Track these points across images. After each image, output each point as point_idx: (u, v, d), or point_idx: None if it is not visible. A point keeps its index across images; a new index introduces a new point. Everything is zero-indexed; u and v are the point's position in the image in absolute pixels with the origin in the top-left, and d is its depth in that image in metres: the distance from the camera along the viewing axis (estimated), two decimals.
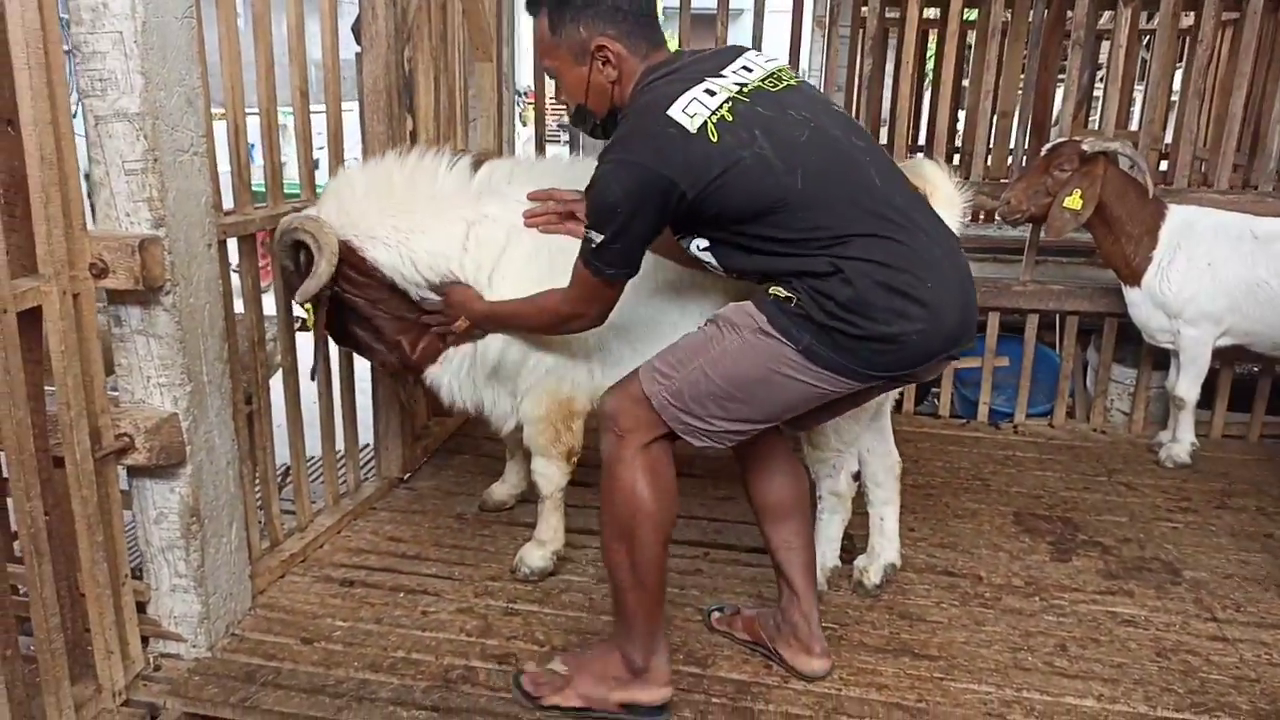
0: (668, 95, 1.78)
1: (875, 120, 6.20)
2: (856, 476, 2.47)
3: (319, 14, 2.71)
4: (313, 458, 3.12)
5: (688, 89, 1.79)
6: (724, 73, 1.84)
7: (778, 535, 2.16)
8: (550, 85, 2.47)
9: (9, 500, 1.95)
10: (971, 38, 6.20)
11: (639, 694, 2.00)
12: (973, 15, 5.46)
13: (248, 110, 2.41)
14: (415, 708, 2.04)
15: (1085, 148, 3.28)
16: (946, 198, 2.21)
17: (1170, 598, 2.59)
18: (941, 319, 1.81)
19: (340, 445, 2.97)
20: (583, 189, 1.91)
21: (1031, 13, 4.50)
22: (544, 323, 2.15)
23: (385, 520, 2.94)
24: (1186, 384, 3.41)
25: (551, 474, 2.51)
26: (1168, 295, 3.32)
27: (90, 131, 1.91)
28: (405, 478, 3.23)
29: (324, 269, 2.27)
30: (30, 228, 1.78)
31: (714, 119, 1.75)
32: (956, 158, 6.05)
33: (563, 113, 9.40)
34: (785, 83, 1.89)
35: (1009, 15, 5.87)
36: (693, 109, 1.75)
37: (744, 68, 1.87)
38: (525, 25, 4.19)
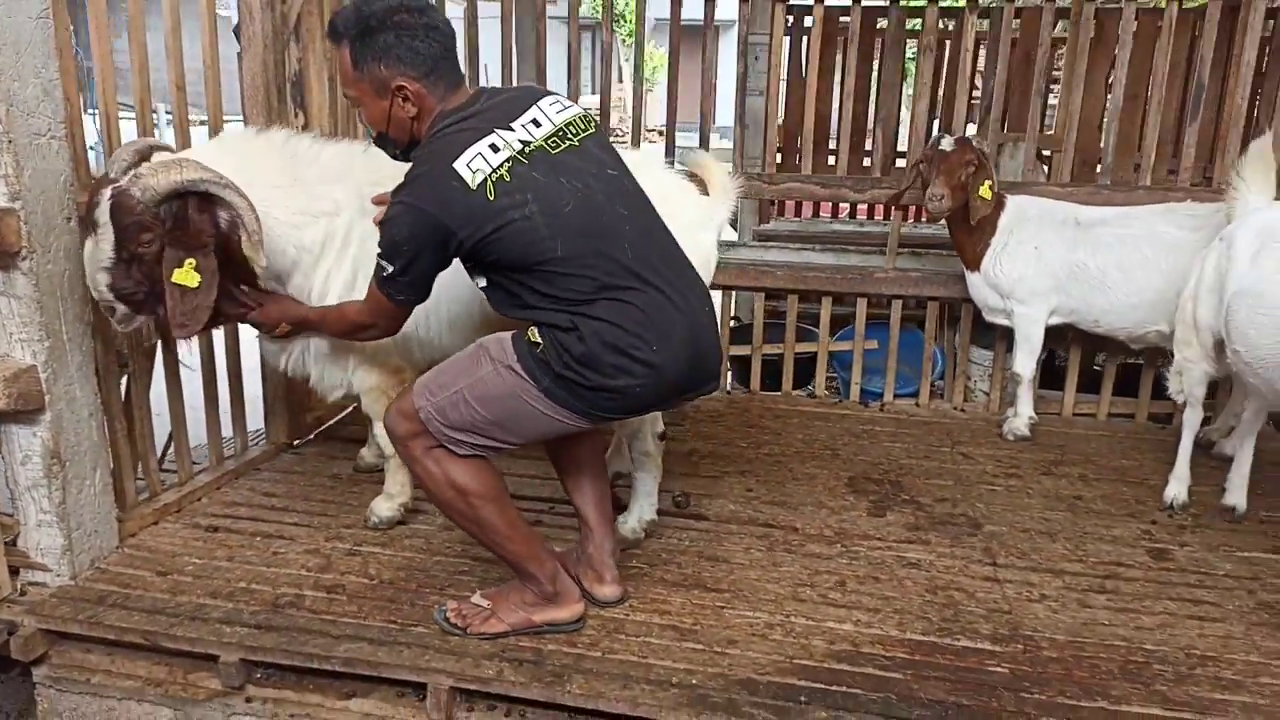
0: (456, 145, 1.98)
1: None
2: (663, 436, 2.73)
3: (197, 15, 2.98)
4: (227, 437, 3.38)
5: (475, 141, 1.98)
6: (513, 125, 2.03)
7: (572, 481, 2.44)
8: None
9: None
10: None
11: (557, 613, 2.31)
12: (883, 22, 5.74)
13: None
14: (240, 625, 2.31)
15: (974, 143, 3.55)
16: (720, 186, 2.48)
17: (962, 546, 2.85)
18: (663, 376, 2.07)
19: (226, 409, 3.24)
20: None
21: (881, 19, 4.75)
22: (343, 330, 2.37)
23: (265, 479, 3.22)
24: (1021, 359, 3.68)
25: None
26: (1000, 278, 3.59)
27: None
28: (294, 444, 3.50)
29: (257, 225, 2.30)
30: None
31: (493, 178, 1.96)
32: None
33: None
34: (568, 142, 2.08)
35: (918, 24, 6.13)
36: (476, 164, 1.96)
37: (533, 121, 2.06)
38: None
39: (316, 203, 2.57)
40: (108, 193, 2.21)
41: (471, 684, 2.15)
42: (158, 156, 2.37)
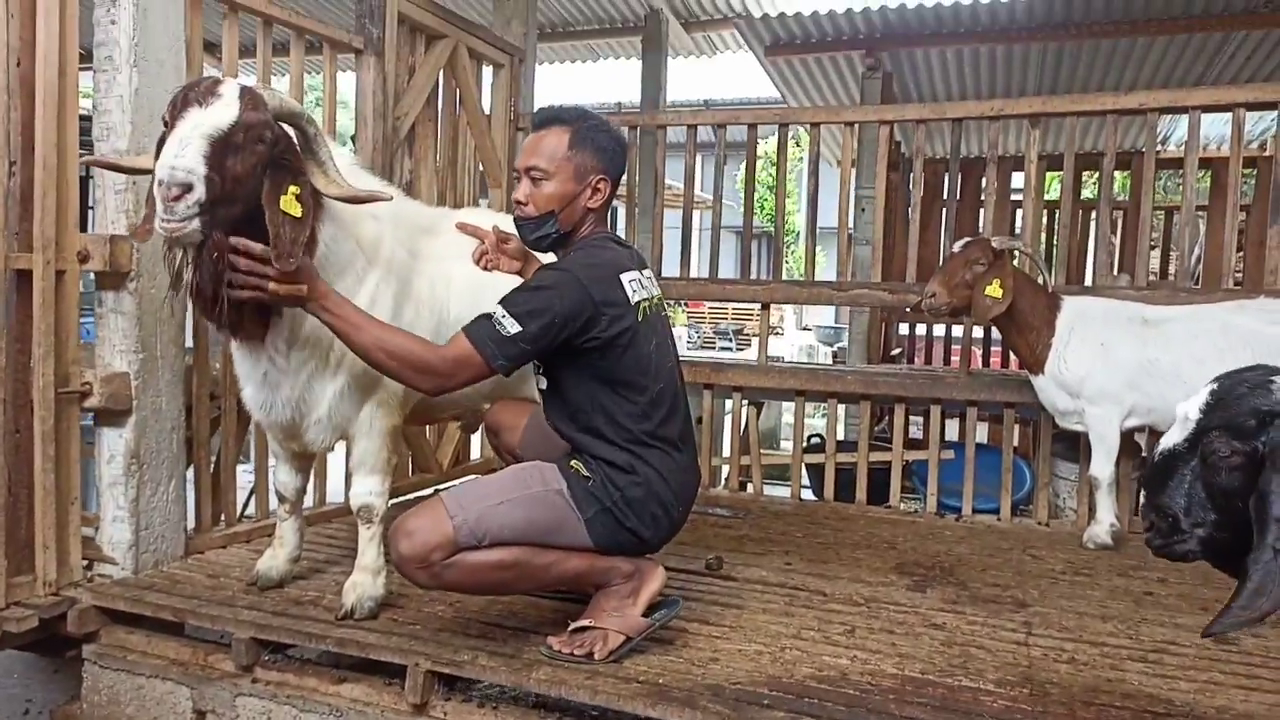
0: (622, 262, 2.25)
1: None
2: None
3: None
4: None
5: (631, 268, 2.26)
6: (644, 274, 2.31)
7: None
8: None
9: None
10: None
11: (649, 586, 2.29)
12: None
13: None
14: (259, 611, 2.49)
15: (995, 244, 3.62)
16: None
17: (999, 618, 2.68)
18: (675, 531, 2.36)
19: None
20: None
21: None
22: (391, 357, 2.13)
23: (335, 527, 3.44)
24: (1098, 463, 3.50)
25: (385, 491, 2.60)
26: (1066, 375, 3.50)
27: None
28: None
29: (333, 165, 2.23)
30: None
31: (643, 306, 2.24)
32: None
33: None
34: (663, 310, 2.38)
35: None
36: (634, 287, 2.23)
37: (649, 278, 2.33)
38: None
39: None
40: (235, 81, 2.13)
41: (446, 667, 2.20)
42: None
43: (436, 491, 4.09)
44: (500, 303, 2.13)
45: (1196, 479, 1.43)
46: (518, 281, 2.56)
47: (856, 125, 4.28)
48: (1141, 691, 2.19)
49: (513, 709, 2.20)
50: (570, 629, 2.28)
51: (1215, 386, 1.47)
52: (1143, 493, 1.54)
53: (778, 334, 19.10)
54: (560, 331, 2.12)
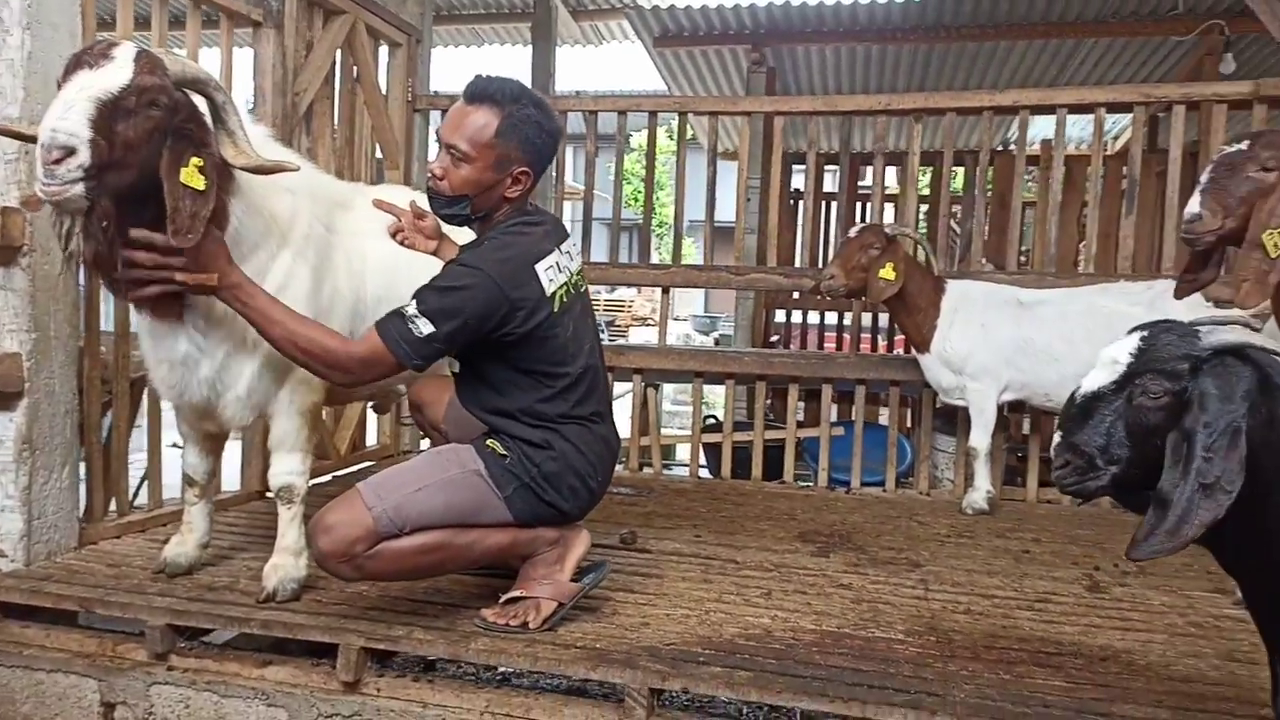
0: (538, 248, 2.19)
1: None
2: None
3: None
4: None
5: (550, 251, 2.21)
6: (564, 249, 2.27)
7: None
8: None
9: None
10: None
11: (575, 551, 2.33)
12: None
13: None
14: (173, 597, 2.41)
15: (888, 230, 3.82)
16: None
17: (898, 577, 2.87)
18: (595, 501, 2.37)
19: None
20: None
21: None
22: (301, 346, 2.10)
23: (231, 516, 3.33)
24: (977, 434, 3.77)
25: (306, 470, 2.54)
26: (950, 353, 3.75)
27: None
28: (265, 493, 3.64)
29: (243, 132, 2.16)
30: None
31: (560, 293, 2.21)
32: None
33: None
34: (583, 284, 2.38)
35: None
36: (550, 274, 2.19)
37: (568, 253, 2.29)
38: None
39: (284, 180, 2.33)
40: (131, 44, 2.02)
41: (381, 643, 2.20)
42: None
43: (334, 478, 4.08)
44: (414, 297, 2.09)
45: (1118, 419, 1.54)
46: (433, 261, 2.56)
47: (751, 116, 4.44)
48: (1033, 635, 2.40)
49: (448, 681, 2.21)
50: (502, 600, 2.31)
51: (1145, 334, 1.57)
52: (1058, 433, 1.62)
53: (651, 325, 19.46)
54: (474, 332, 2.11)
